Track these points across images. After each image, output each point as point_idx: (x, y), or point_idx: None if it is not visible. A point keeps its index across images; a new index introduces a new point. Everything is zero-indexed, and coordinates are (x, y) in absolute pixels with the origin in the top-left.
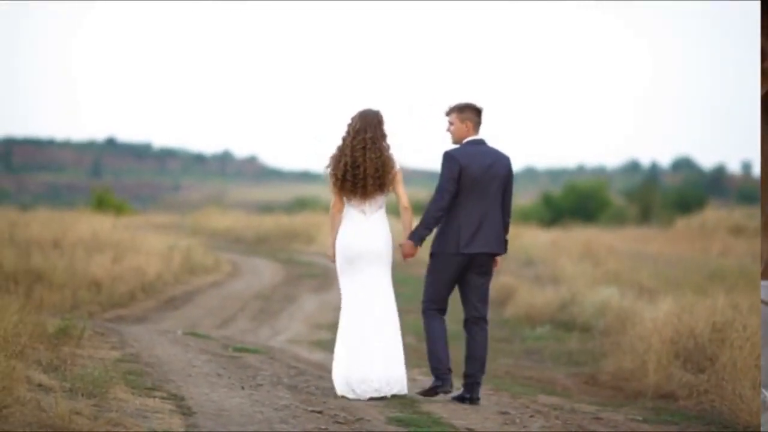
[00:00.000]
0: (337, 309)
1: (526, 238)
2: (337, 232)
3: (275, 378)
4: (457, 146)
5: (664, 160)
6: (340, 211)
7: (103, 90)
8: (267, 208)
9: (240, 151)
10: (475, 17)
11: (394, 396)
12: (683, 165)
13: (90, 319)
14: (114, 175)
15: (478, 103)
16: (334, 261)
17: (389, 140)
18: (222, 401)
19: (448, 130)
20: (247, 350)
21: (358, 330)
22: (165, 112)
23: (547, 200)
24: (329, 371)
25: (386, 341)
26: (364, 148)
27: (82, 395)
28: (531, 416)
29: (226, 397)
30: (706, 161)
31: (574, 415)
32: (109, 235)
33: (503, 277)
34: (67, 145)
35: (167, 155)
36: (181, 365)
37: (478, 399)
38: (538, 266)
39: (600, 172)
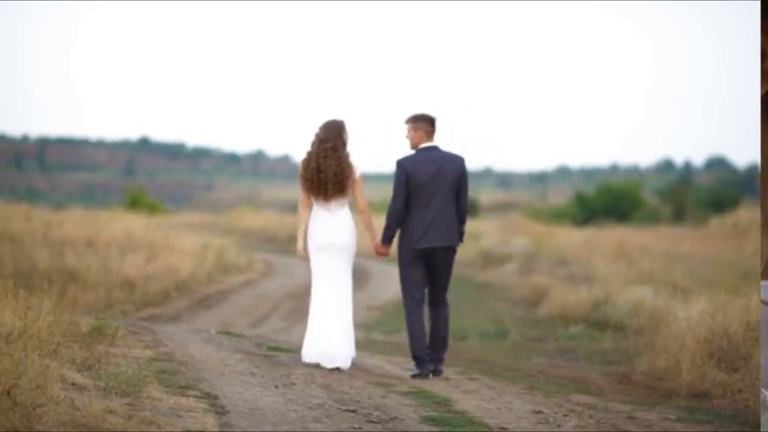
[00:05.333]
0: (370, 308)
1: (559, 238)
2: (306, 227)
3: (309, 377)
4: (412, 152)
5: (698, 159)
6: (307, 207)
7: (136, 90)
8: None
9: (273, 150)
10: (511, 18)
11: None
12: (717, 164)
13: (124, 318)
14: (147, 174)
15: (431, 114)
16: (303, 252)
17: (350, 148)
18: (255, 400)
19: (407, 137)
20: (280, 349)
21: (320, 311)
22: (198, 112)
23: (581, 199)
24: (362, 370)
25: (340, 322)
26: (325, 156)
27: (116, 394)
28: (564, 415)
29: (259, 395)
30: (740, 160)
31: (608, 414)
32: (143, 235)
33: (536, 276)
34: (100, 145)
35: (200, 155)
36: (215, 364)
37: (440, 371)
38: (572, 266)
39: (633, 171)
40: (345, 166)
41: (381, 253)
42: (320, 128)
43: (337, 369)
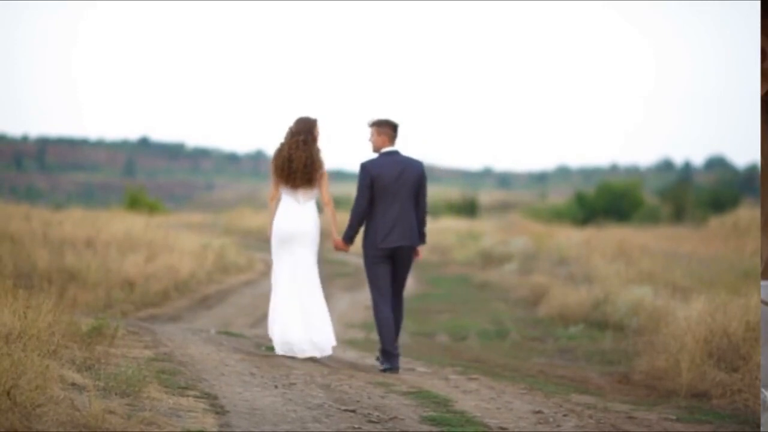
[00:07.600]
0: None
1: (559, 238)
2: (274, 216)
3: (308, 377)
4: (375, 155)
5: (698, 158)
6: (275, 197)
7: (136, 90)
8: None
9: (273, 150)
10: (511, 18)
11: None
12: (717, 163)
13: (123, 318)
14: (147, 174)
15: (395, 120)
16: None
17: (320, 144)
18: (255, 400)
19: (370, 140)
20: None
21: (283, 299)
22: (198, 112)
23: (581, 199)
24: (362, 370)
25: (308, 310)
26: (297, 147)
27: (116, 394)
28: (564, 415)
29: (259, 395)
30: (740, 160)
31: (608, 414)
32: (143, 235)
33: (536, 276)
34: (100, 145)
35: (200, 155)
36: (215, 364)
37: (397, 368)
38: (572, 265)
39: (633, 170)
40: (314, 159)
41: (340, 249)
42: (293, 123)
43: (312, 358)
